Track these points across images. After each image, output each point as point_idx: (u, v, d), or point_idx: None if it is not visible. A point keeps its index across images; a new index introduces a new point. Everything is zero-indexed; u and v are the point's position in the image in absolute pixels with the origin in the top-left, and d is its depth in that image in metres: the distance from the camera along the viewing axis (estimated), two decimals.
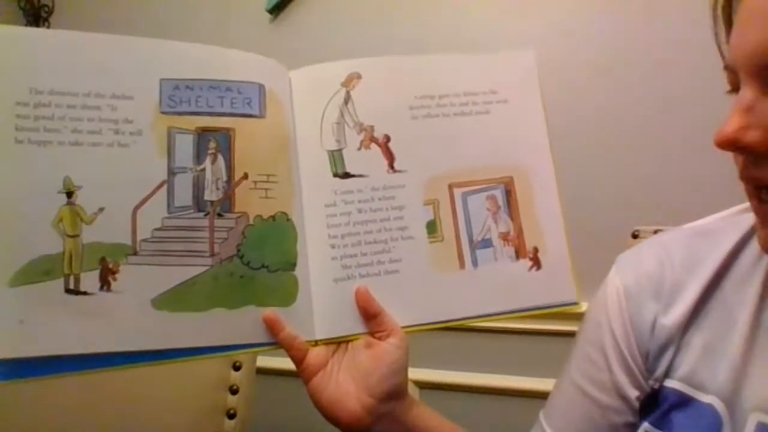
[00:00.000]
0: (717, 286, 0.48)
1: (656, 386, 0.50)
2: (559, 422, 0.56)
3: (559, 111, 1.21)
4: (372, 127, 0.56)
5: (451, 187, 0.57)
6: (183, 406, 0.91)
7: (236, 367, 0.92)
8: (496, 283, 0.56)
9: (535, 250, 0.57)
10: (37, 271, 0.45)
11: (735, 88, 0.40)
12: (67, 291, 0.46)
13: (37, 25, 1.73)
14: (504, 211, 0.57)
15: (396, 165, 0.56)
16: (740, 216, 0.51)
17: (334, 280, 0.54)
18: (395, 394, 0.52)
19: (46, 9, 1.73)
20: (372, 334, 0.53)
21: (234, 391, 0.92)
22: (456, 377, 1.26)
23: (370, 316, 0.53)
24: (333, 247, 0.54)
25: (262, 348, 0.51)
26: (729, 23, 0.42)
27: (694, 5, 1.10)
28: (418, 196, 0.56)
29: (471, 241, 0.57)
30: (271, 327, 0.51)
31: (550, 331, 1.18)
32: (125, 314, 0.47)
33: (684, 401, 0.47)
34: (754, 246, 0.48)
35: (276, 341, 0.51)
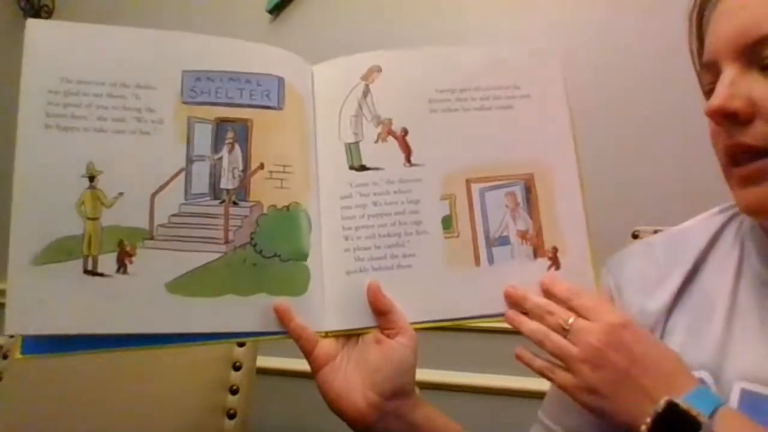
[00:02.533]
0: (696, 275, 0.55)
1: None
2: (554, 410, 0.59)
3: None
4: (390, 120, 0.56)
5: (468, 182, 0.56)
6: (183, 406, 0.91)
7: (236, 367, 0.92)
8: (512, 281, 0.54)
9: (555, 249, 0.56)
10: (58, 252, 0.47)
11: (712, 86, 0.48)
12: (86, 272, 0.47)
13: None
14: (523, 209, 0.56)
15: (413, 158, 0.56)
16: (713, 217, 0.58)
17: (346, 273, 0.53)
18: (401, 392, 0.52)
19: (47, 9, 1.73)
20: (381, 330, 0.53)
21: (234, 391, 0.92)
22: (456, 377, 1.26)
23: (380, 313, 0.53)
24: (346, 239, 0.54)
25: (271, 336, 0.52)
26: (699, 28, 0.52)
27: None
28: (435, 191, 0.55)
29: (487, 237, 0.55)
30: (282, 316, 0.51)
31: None
32: (140, 297, 0.48)
33: None
34: (727, 239, 0.55)
35: (286, 331, 0.52)
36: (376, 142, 0.56)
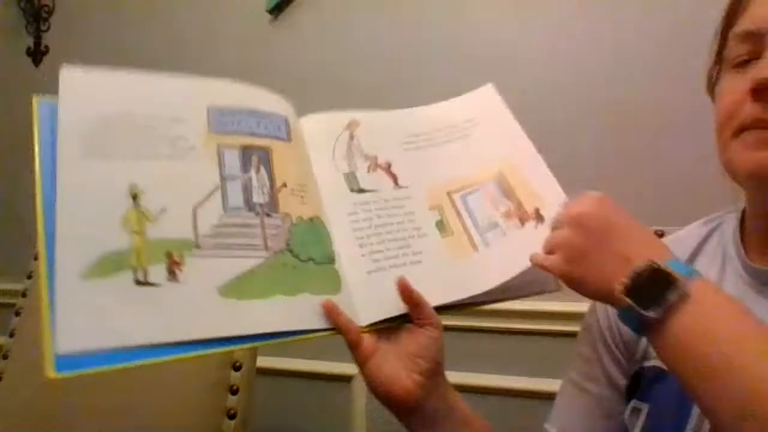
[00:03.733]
0: None
1: (637, 368, 0.59)
2: (561, 419, 0.64)
3: (559, 112, 1.22)
4: (375, 156, 0.66)
5: (449, 193, 0.66)
6: (183, 406, 0.91)
7: (236, 367, 0.92)
8: (510, 250, 0.60)
9: (536, 210, 0.60)
10: (107, 266, 0.47)
11: (748, 57, 0.50)
12: (137, 283, 0.48)
13: (38, 25, 1.73)
14: (501, 196, 0.63)
15: (400, 182, 0.66)
16: (697, 229, 0.63)
17: (367, 272, 0.59)
18: (439, 372, 0.58)
19: (47, 9, 1.73)
20: (413, 320, 0.58)
21: (234, 391, 0.92)
22: (456, 377, 1.26)
23: (413, 305, 0.57)
24: (361, 246, 0.61)
25: (319, 333, 0.54)
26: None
27: (696, 6, 1.10)
28: (424, 204, 0.65)
29: (478, 227, 0.63)
30: (329, 312, 0.54)
31: (550, 332, 1.18)
32: (193, 303, 0.49)
33: (661, 375, 0.55)
34: (709, 248, 0.61)
35: (333, 327, 0.55)
36: (368, 172, 0.66)
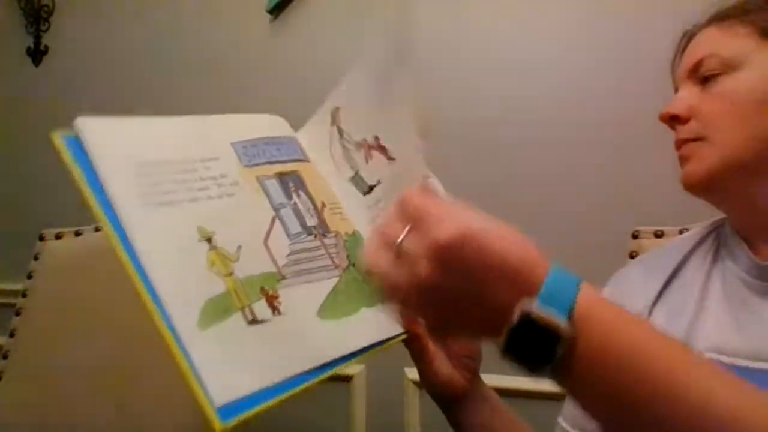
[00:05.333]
0: (677, 274, 0.65)
1: None
2: (572, 414, 0.66)
3: (559, 112, 1.22)
4: (364, 138, 0.64)
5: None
6: (183, 406, 0.91)
7: None
8: None
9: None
10: (215, 312, 0.47)
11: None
12: (249, 322, 0.48)
13: (38, 25, 1.73)
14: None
15: (390, 154, 0.62)
16: (701, 229, 0.68)
17: None
18: (478, 370, 0.64)
19: (47, 9, 1.73)
20: None
21: None
22: None
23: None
24: None
25: (398, 339, 0.57)
26: (673, 72, 0.69)
27: (694, 7, 1.10)
28: (416, 175, 0.60)
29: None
30: (409, 320, 0.55)
31: None
32: (303, 331, 0.51)
33: None
34: (705, 245, 0.66)
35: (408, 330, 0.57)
36: (367, 163, 0.63)
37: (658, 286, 0.64)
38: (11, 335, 1.08)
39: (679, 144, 0.63)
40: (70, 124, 0.49)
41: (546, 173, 1.23)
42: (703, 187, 0.60)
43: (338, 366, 0.51)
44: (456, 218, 0.37)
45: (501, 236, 0.37)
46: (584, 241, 1.13)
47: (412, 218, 0.38)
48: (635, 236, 0.90)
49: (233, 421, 0.43)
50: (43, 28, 1.73)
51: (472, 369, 0.63)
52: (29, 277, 1.12)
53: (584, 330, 0.36)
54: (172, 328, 0.44)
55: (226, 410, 0.43)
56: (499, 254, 0.36)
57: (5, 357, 1.05)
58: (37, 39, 1.73)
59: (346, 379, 1.36)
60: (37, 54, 1.73)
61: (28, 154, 1.54)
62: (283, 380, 0.47)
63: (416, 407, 1.30)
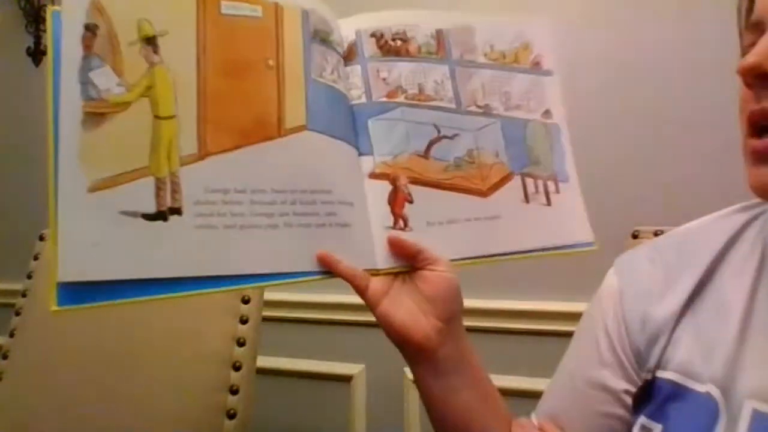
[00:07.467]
0: (710, 279, 0.50)
1: (649, 377, 0.51)
2: (546, 404, 0.59)
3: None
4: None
5: None
6: (183, 406, 0.91)
7: (236, 367, 0.92)
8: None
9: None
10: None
11: (753, 47, 0.43)
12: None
13: (37, 25, 1.73)
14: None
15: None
16: (733, 215, 0.53)
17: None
18: (456, 316, 0.56)
19: (47, 9, 1.73)
20: (422, 268, 0.56)
21: (234, 391, 0.92)
22: None
23: (412, 256, 0.56)
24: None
25: (320, 276, 0.54)
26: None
27: (695, 7, 1.10)
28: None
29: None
30: (328, 263, 0.53)
31: (550, 332, 1.18)
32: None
33: (679, 392, 0.48)
34: (746, 240, 0.50)
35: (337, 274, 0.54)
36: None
37: (684, 291, 0.50)
38: (11, 335, 1.08)
39: (761, 122, 0.43)
40: None
41: None
42: None
43: (217, 287, 0.47)
44: None
45: None
46: None
47: None
48: (635, 236, 0.90)
49: (70, 308, 0.41)
50: (43, 28, 1.73)
51: (442, 315, 0.54)
52: (29, 277, 1.12)
53: None
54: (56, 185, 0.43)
55: (69, 293, 0.41)
56: None
57: (5, 357, 1.05)
58: (37, 39, 1.73)
59: (346, 379, 1.36)
60: (37, 54, 1.73)
61: (28, 154, 1.54)
62: (140, 281, 0.44)
63: (416, 407, 1.29)
